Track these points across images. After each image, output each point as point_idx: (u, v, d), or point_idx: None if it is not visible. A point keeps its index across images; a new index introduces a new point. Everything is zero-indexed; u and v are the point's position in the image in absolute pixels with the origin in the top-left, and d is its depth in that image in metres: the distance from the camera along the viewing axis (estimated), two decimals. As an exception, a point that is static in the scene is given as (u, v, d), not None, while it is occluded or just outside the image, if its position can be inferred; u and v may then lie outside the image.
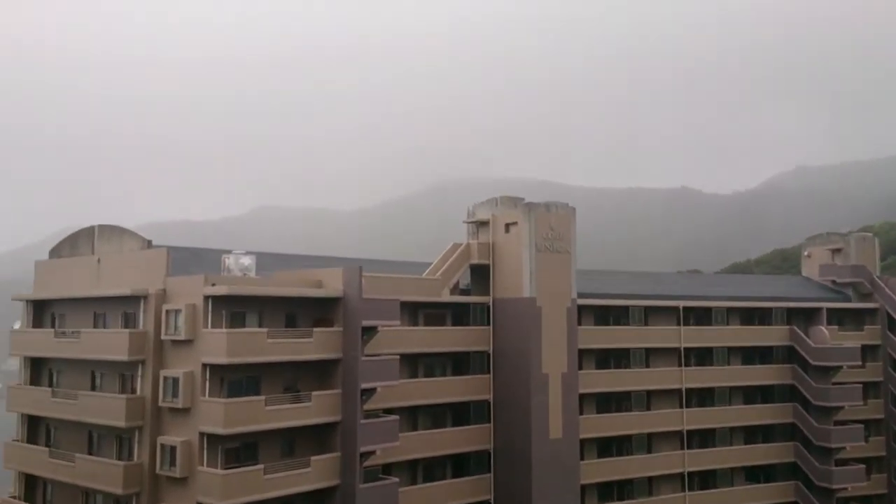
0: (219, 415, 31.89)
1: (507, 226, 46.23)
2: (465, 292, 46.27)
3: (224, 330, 32.90)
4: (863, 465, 57.11)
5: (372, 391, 36.58)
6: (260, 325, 34.66)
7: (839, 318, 60.67)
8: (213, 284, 33.32)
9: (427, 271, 45.16)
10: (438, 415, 43.32)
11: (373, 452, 36.25)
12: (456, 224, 49.84)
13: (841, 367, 56.57)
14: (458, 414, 44.22)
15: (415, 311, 43.04)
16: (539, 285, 44.83)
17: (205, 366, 32.83)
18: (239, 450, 33.42)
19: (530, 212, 45.38)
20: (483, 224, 47.34)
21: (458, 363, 44.71)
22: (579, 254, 47.70)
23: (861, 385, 57.86)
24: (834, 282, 63.54)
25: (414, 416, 42.01)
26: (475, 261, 46.02)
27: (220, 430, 31.84)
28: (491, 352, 45.13)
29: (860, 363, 58.41)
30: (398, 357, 38.22)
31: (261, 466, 32.83)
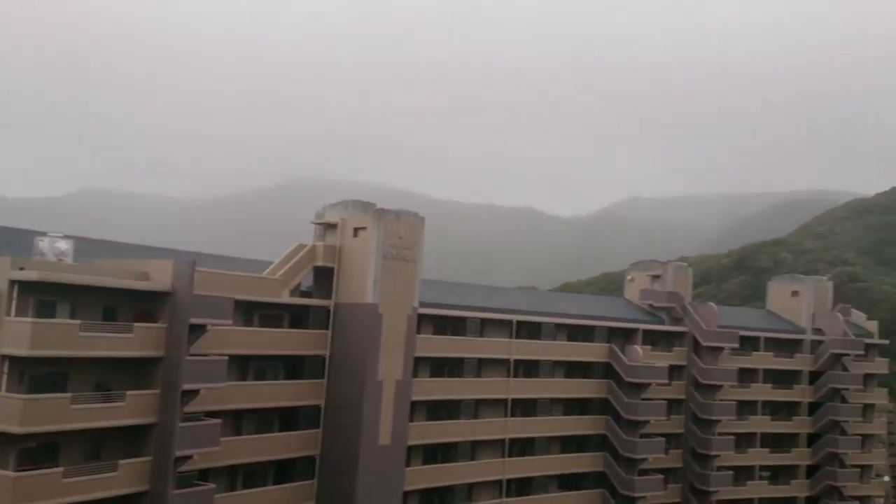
0: (15, 412, 27.33)
1: (356, 230, 43.72)
2: (306, 294, 43.29)
3: (29, 319, 28.38)
4: (662, 476, 58.73)
5: (194, 393, 32.99)
6: (73, 317, 30.20)
7: (653, 338, 62.35)
8: (22, 268, 28.79)
9: (268, 270, 41.80)
10: (265, 419, 39.86)
11: (189, 457, 32.58)
12: (306, 224, 46.85)
13: (650, 384, 57.98)
14: (287, 419, 40.95)
15: (250, 311, 39.50)
16: (382, 292, 42.62)
17: (3, 357, 28.22)
18: (35, 451, 28.87)
19: (380, 218, 43.13)
20: (331, 226, 44.59)
21: (292, 367, 41.52)
22: (424, 263, 45.99)
23: (666, 402, 59.58)
24: (651, 305, 65.34)
25: (239, 421, 38.43)
26: (320, 263, 43.16)
27: (14, 429, 27.28)
28: (328, 356, 42.32)
29: (667, 381, 60.18)
30: (226, 358, 34.77)
31: (60, 469, 28.56)
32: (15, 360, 28.32)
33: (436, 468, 47.91)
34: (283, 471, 40.43)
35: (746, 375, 66.74)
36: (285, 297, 41.10)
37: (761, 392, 67.77)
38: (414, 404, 45.26)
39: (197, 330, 33.31)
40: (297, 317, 42.09)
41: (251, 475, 38.84)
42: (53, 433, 28.72)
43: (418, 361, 46.01)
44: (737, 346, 64.61)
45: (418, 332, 45.74)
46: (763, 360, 68.39)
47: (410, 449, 44.99)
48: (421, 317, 46.15)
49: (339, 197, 46.31)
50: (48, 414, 28.12)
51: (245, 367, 38.92)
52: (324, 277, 43.54)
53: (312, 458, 41.26)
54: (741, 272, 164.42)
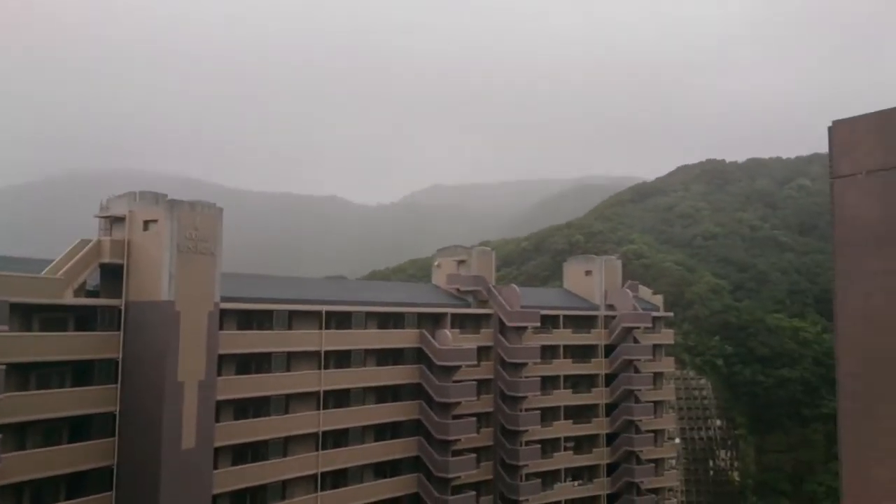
0: None
1: (146, 223, 41.91)
2: (93, 294, 40.83)
3: None
4: (474, 455, 61.82)
5: (-35, 408, 30.28)
6: None
7: (461, 321, 65.28)
8: None
9: (47, 269, 38.98)
10: (53, 431, 37.46)
11: (-39, 480, 29.98)
12: (86, 219, 44.04)
13: (460, 366, 60.63)
14: (78, 429, 38.69)
15: (29, 315, 36.78)
16: (179, 288, 41.21)
17: None
18: None
19: (173, 209, 41.59)
20: (119, 220, 42.35)
21: (81, 373, 39.17)
22: (226, 256, 44.92)
23: (476, 382, 62.65)
24: (458, 289, 68.29)
25: (22, 434, 35.76)
26: (107, 259, 40.93)
27: None
28: (120, 359, 40.31)
29: (476, 362, 63.29)
30: (3, 367, 32.13)
31: None
32: None
33: (246, 468, 47.30)
34: (76, 484, 38.16)
35: (549, 352, 71.72)
36: (68, 298, 38.65)
37: (563, 367, 73.04)
38: (220, 404, 44.43)
39: (-36, 338, 30.48)
40: (83, 319, 39.70)
41: (40, 492, 36.42)
42: None
43: (223, 359, 45.16)
44: (539, 324, 69.01)
45: (221, 328, 44.84)
46: (563, 336, 73.70)
47: (218, 450, 44.16)
48: (224, 312, 45.28)
49: (129, 188, 44.10)
50: None
51: (26, 375, 36.23)
52: (112, 275, 41.36)
53: (109, 468, 39.27)
54: (539, 254, 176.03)
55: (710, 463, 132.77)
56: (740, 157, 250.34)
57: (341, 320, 55.45)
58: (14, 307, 33.57)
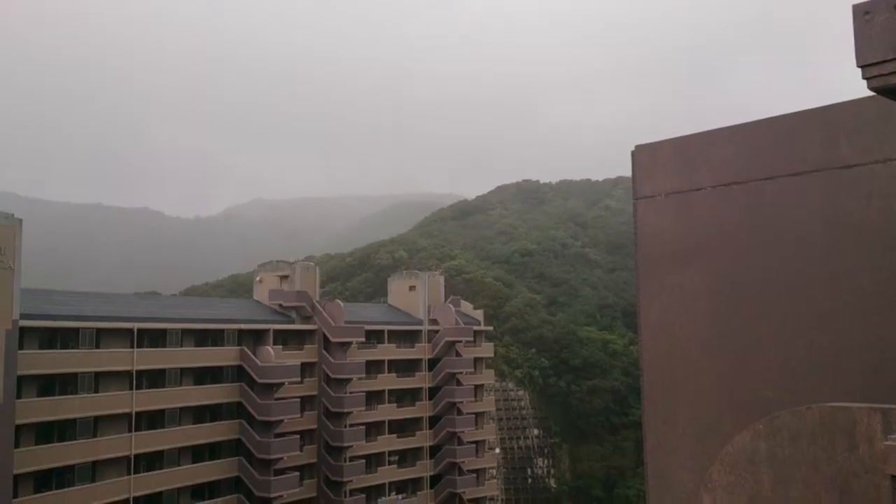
0: None
1: (-67, 235, 39.11)
2: None
3: None
4: (297, 473, 62.05)
5: None
6: None
7: (284, 338, 65.38)
8: None
9: None
10: None
11: None
12: None
13: (283, 383, 60.81)
14: None
15: None
16: (-29, 305, 38.73)
17: None
18: None
19: (-35, 221, 39.12)
20: None
21: None
22: (26, 271, 42.71)
23: (299, 399, 62.99)
24: (281, 305, 68.28)
25: None
26: None
27: None
28: None
29: (299, 379, 63.65)
30: None
31: None
32: None
33: (51, 495, 44.88)
34: None
35: (374, 367, 73.25)
36: None
37: (387, 382, 74.87)
38: (20, 428, 41.96)
39: None
40: None
41: None
42: None
43: (23, 380, 42.82)
44: (363, 339, 70.47)
45: (21, 347, 42.49)
46: (387, 351, 75.56)
47: (18, 477, 41.67)
48: (24, 330, 42.96)
49: None
50: None
51: None
52: None
53: None
54: (364, 270, 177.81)
55: (529, 471, 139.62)
56: (554, 179, 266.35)
57: (155, 338, 54.05)
58: None
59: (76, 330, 48.34)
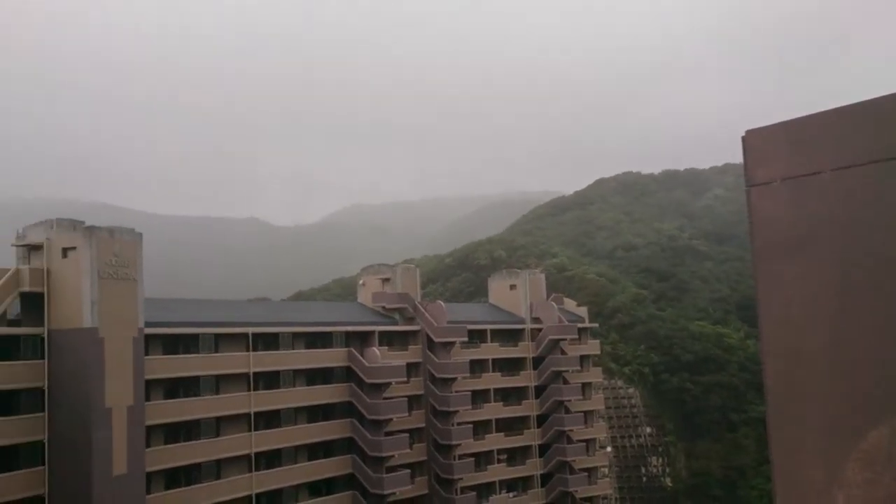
0: None
1: (65, 250, 42.41)
2: (14, 323, 40.89)
3: None
4: (408, 470, 63.40)
5: None
6: None
7: (389, 339, 66.97)
8: None
9: (-35, 300, 38.93)
10: (-21, 462, 37.55)
11: None
12: (4, 248, 43.97)
13: (390, 383, 62.30)
14: (6, 459, 39.00)
15: (-52, 346, 36.78)
16: (102, 314, 41.81)
17: None
18: None
19: (91, 236, 42.22)
20: (36, 248, 42.52)
21: (5, 402, 39.50)
22: (148, 281, 45.47)
23: (406, 398, 64.29)
24: (384, 307, 69.96)
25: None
26: (26, 288, 41.25)
27: None
28: (46, 388, 40.57)
29: (406, 379, 64.98)
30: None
31: None
32: None
33: (180, 492, 48.08)
34: (6, 516, 38.15)
35: (477, 366, 74.11)
36: (-11, 328, 38.56)
37: (492, 381, 75.53)
38: (150, 428, 44.96)
39: None
40: (5, 348, 39.88)
41: (-31, 525, 36.27)
42: None
43: (150, 384, 45.80)
44: (466, 339, 71.38)
45: (147, 353, 45.40)
46: (491, 350, 76.21)
47: (150, 475, 44.79)
48: (149, 337, 45.83)
49: (45, 216, 44.35)
50: None
51: (-52, 408, 36.06)
52: (33, 303, 41.68)
53: (40, 497, 39.75)
54: (463, 270, 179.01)
55: (643, 469, 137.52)
56: (656, 170, 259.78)
57: (268, 342, 56.46)
58: (-67, 338, 33.49)
59: (196, 336, 51.16)
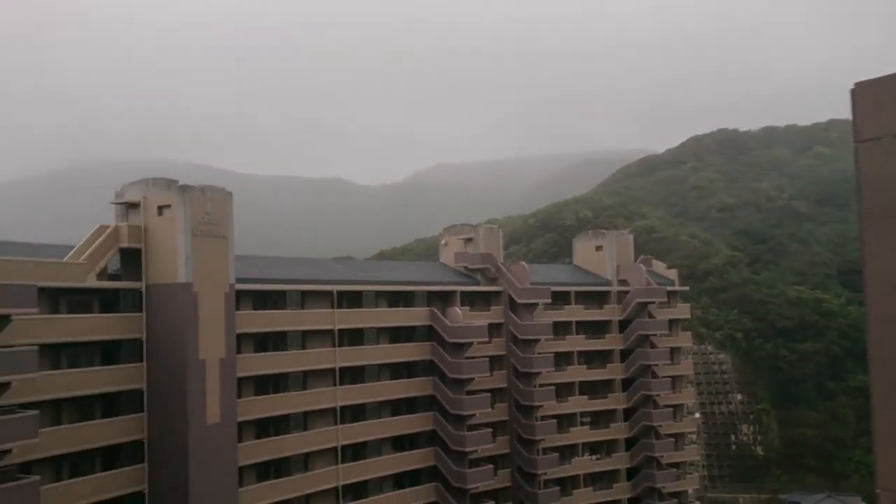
0: None
1: (161, 208, 44.80)
2: (115, 278, 43.87)
3: None
4: (490, 430, 64.80)
5: (6, 386, 33.30)
6: None
7: (471, 299, 68.08)
8: None
9: (69, 255, 41.99)
10: (86, 407, 40.90)
11: (8, 451, 33.05)
12: (104, 207, 46.91)
13: (472, 343, 63.49)
14: (109, 405, 42.18)
15: (56, 298, 39.93)
16: (196, 270, 44.16)
17: None
18: None
19: (185, 194, 44.44)
20: (134, 206, 45.24)
21: (108, 352, 42.51)
22: (237, 239, 47.72)
23: (488, 359, 65.50)
24: (466, 268, 71.02)
25: (58, 410, 39.17)
26: (125, 244, 43.88)
27: None
28: (144, 339, 43.46)
29: (488, 339, 66.13)
30: (36, 348, 35.18)
31: None
32: None
33: (269, 441, 50.74)
34: (110, 457, 41.74)
35: (561, 328, 74.54)
36: (92, 282, 41.68)
37: (576, 343, 75.88)
38: (241, 380, 47.62)
39: (0, 321, 33.35)
40: (107, 301, 42.87)
41: (77, 464, 39.95)
42: None
43: (241, 338, 48.20)
44: (549, 301, 71.72)
45: (238, 308, 47.79)
46: (575, 312, 76.41)
47: (242, 425, 47.46)
48: (239, 293, 48.16)
49: (141, 176, 46.90)
50: None
51: (57, 355, 39.50)
52: (132, 259, 44.33)
53: (140, 442, 42.69)
54: (547, 231, 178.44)
55: (732, 437, 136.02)
56: (754, 126, 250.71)
57: (352, 299, 58.36)
58: (42, 291, 36.43)
59: (283, 292, 53.41)
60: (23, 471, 35.66)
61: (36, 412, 34.76)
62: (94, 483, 40.12)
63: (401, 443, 60.83)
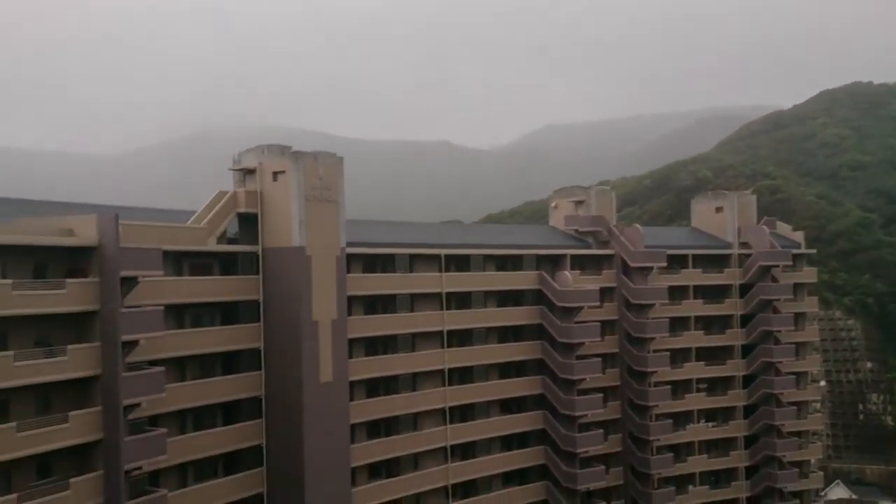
0: (-40, 372, 29.77)
1: (275, 174, 46.48)
2: (233, 241, 46.08)
3: (-37, 282, 30.51)
4: (601, 394, 64.57)
5: (134, 343, 35.83)
6: (3, 277, 32.51)
7: (581, 263, 67.56)
8: (-52, 232, 30.72)
9: (191, 220, 44.38)
10: (208, 364, 43.46)
11: (138, 405, 35.69)
12: (221, 173, 49.16)
13: (582, 307, 63.18)
14: (229, 363, 44.65)
15: (179, 261, 42.39)
16: (308, 234, 45.77)
17: (-59, 321, 30.39)
18: (-14, 409, 31.48)
19: (298, 160, 45.94)
20: (250, 172, 47.18)
21: (227, 313, 44.83)
22: (347, 204, 49.09)
23: (599, 323, 65.07)
24: (577, 231, 70.40)
25: (182, 367, 41.77)
26: (243, 209, 45.90)
27: (-38, 389, 29.80)
28: (261, 300, 45.58)
29: (599, 304, 65.61)
30: (162, 308, 37.56)
31: (13, 424, 31.18)
32: (-47, 322, 30.42)
33: (380, 401, 52.52)
34: (230, 412, 44.31)
35: (677, 293, 72.99)
36: (212, 245, 43.95)
37: (693, 308, 74.15)
38: (352, 341, 49.33)
39: (129, 282, 35.93)
40: (226, 263, 45.14)
41: (200, 418, 42.61)
42: (1, 390, 31.04)
43: (352, 300, 49.81)
44: (665, 264, 70.31)
45: (348, 271, 49.28)
46: (692, 276, 74.56)
47: (353, 384, 49.32)
48: (350, 256, 49.63)
49: (256, 142, 48.75)
50: (-7, 372, 30.42)
51: (181, 315, 42.07)
52: (249, 223, 46.38)
53: (258, 398, 45.01)
54: (663, 192, 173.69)
55: (860, 406, 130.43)
56: (890, 79, 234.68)
57: (460, 263, 59.04)
58: (166, 254, 38.75)
59: (392, 256, 54.69)
60: (151, 424, 38.45)
61: (162, 369, 37.26)
62: (215, 437, 42.71)
63: (509, 406, 61.47)
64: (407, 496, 54.02)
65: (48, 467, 33.64)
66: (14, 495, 31.01)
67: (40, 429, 31.89)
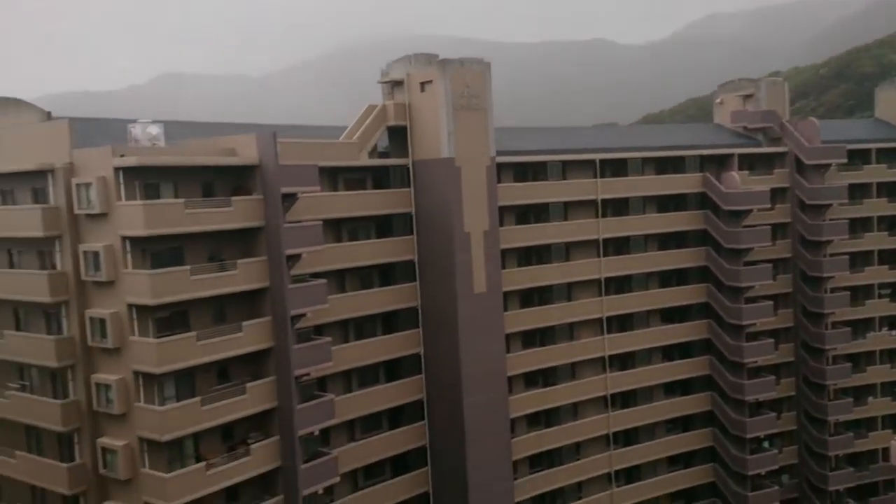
0: (145, 286, 32.95)
1: (423, 84, 46.93)
2: (383, 155, 47.45)
3: (140, 202, 33.38)
4: (770, 302, 62.37)
5: (297, 257, 38.08)
6: (175, 196, 35.24)
7: (750, 162, 64.49)
8: (122, 155, 33.45)
9: (343, 135, 45.95)
10: (365, 276, 45.59)
11: (303, 315, 38.19)
12: (370, 86, 50.16)
13: (751, 210, 60.62)
14: (385, 275, 46.66)
15: (334, 176, 44.16)
16: (457, 145, 46.24)
17: (124, 238, 33.49)
18: (170, 319, 34.79)
19: (445, 69, 46.06)
20: (398, 84, 47.90)
21: (382, 226, 46.60)
22: (496, 111, 48.97)
23: (770, 227, 62.29)
24: (745, 128, 67.02)
25: (342, 279, 44.10)
26: (392, 122, 46.89)
27: (148, 301, 33.03)
28: (413, 213, 46.95)
29: (769, 206, 62.65)
30: (321, 222, 39.52)
31: (193, 333, 34.33)
32: (135, 241, 33.65)
33: (534, 311, 53.42)
34: (388, 322, 46.71)
35: (858, 191, 68.58)
36: (364, 160, 45.46)
37: (876, 207, 69.64)
38: (504, 252, 50.00)
39: (289, 198, 37.99)
40: (378, 177, 46.65)
41: (360, 328, 45.18)
42: (180, 302, 34.33)
43: (503, 210, 50.28)
44: (844, 160, 66.11)
45: (499, 181, 49.59)
46: (876, 172, 69.79)
47: (507, 295, 50.19)
48: (500, 166, 49.86)
49: (399, 53, 49.25)
50: (172, 286, 33.62)
51: (339, 229, 44.20)
52: (398, 136, 47.46)
53: (414, 309, 47.17)
54: (842, 81, 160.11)
55: None
56: None
57: (616, 168, 57.85)
58: (322, 170, 40.45)
59: (544, 163, 54.34)
60: (316, 333, 41.13)
61: (324, 281, 39.60)
62: (375, 345, 45.20)
63: (669, 316, 60.46)
64: (565, 405, 55.23)
65: (226, 373, 36.92)
66: (198, 398, 34.46)
67: (217, 338, 34.94)
